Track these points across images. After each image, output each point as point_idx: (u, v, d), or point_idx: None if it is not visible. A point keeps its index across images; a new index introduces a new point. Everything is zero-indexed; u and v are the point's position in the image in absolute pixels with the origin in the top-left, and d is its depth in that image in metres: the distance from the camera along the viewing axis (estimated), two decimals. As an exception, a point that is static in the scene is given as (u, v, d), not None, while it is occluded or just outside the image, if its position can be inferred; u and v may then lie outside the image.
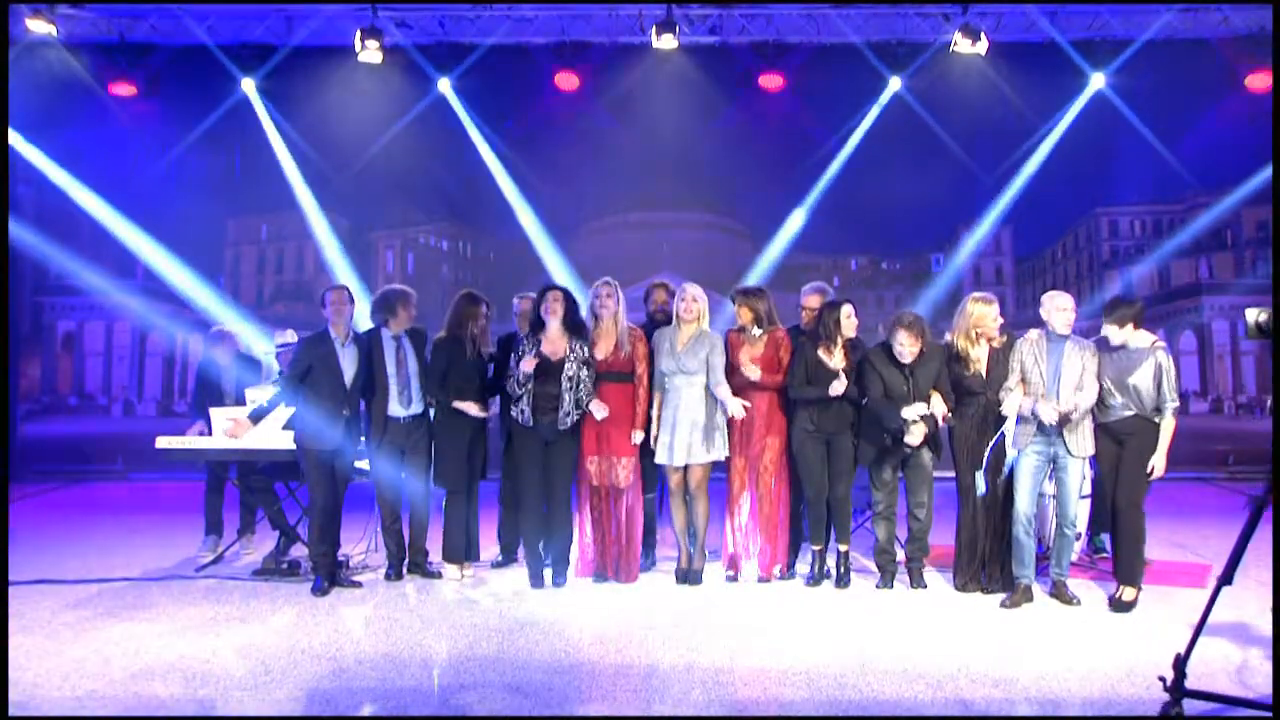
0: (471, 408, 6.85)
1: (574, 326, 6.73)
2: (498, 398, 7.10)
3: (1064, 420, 6.07)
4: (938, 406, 6.37)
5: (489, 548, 7.49)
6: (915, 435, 6.36)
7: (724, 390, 6.59)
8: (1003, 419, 6.33)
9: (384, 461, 6.95)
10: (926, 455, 6.57)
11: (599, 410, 6.61)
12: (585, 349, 6.70)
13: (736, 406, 6.52)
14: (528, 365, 6.58)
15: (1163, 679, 3.92)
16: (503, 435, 7.06)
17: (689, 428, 6.65)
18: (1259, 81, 11.90)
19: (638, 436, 6.72)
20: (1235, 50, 11.89)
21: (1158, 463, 6.08)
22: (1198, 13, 11.62)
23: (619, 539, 6.83)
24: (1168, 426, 6.09)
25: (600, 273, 7.03)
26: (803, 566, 6.98)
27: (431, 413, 7.06)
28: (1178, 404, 6.06)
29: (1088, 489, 6.84)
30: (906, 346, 6.34)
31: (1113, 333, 6.18)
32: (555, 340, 6.69)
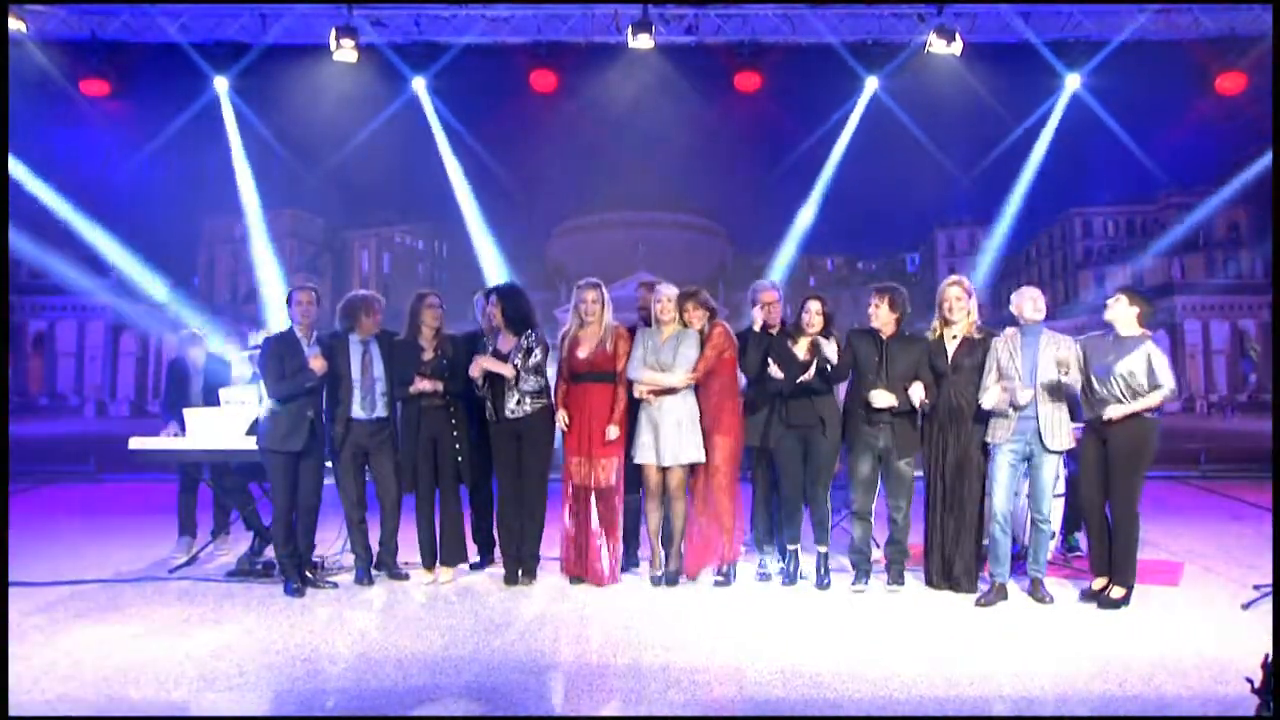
0: (426, 384, 6.80)
1: (515, 320, 6.83)
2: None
3: (1054, 388, 6.09)
4: (915, 392, 6.40)
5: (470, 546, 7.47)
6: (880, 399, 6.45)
7: (647, 374, 6.65)
8: (977, 414, 6.36)
9: (345, 463, 6.94)
10: (904, 461, 6.60)
11: (560, 420, 6.79)
12: (530, 338, 6.80)
13: (681, 377, 6.62)
14: (474, 371, 6.73)
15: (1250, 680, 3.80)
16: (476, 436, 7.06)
17: (673, 428, 6.64)
18: (1230, 83, 12.02)
19: (613, 432, 6.70)
20: (1207, 52, 12.01)
21: (1114, 411, 6.04)
22: (1170, 14, 11.72)
23: (599, 540, 6.79)
24: (1152, 399, 6.04)
25: (577, 272, 7.07)
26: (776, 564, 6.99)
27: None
28: (1172, 386, 6.04)
29: (1061, 488, 6.87)
30: (871, 306, 6.62)
31: (1120, 310, 6.22)
32: (507, 339, 6.83)
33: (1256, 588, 6.28)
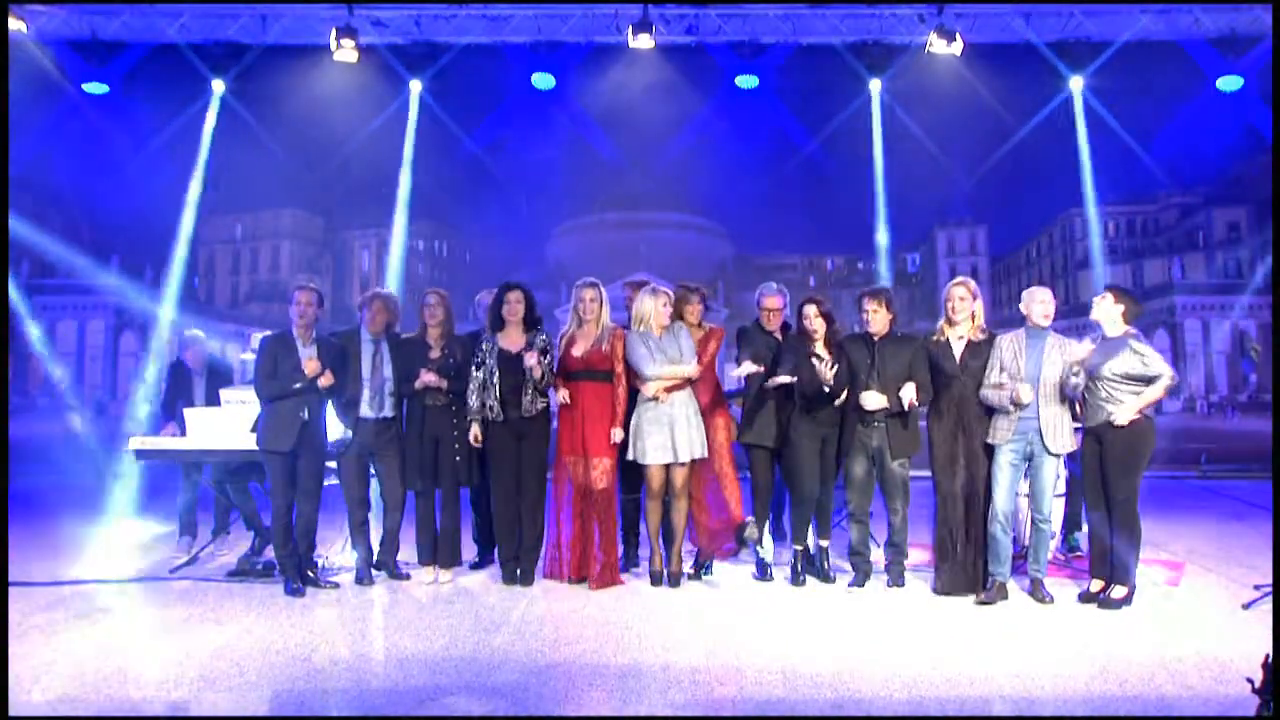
0: (431, 378, 6.78)
1: (533, 322, 6.89)
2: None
3: (1061, 386, 6.06)
4: (906, 393, 6.39)
5: (469, 546, 7.46)
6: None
7: (667, 368, 6.63)
8: (986, 413, 6.34)
9: (350, 462, 6.94)
10: (898, 463, 6.58)
11: (562, 395, 6.74)
12: (543, 338, 6.81)
13: (692, 369, 6.65)
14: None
15: (1250, 680, 3.79)
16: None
17: (684, 424, 6.63)
18: (1229, 83, 12.03)
19: (618, 435, 6.70)
20: (1207, 52, 12.01)
21: (1123, 416, 6.03)
22: (1170, 14, 11.72)
23: (597, 539, 6.78)
24: (1155, 390, 6.03)
25: (578, 272, 7.04)
26: (783, 568, 6.99)
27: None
28: (1170, 372, 6.03)
29: (1062, 488, 6.86)
30: (868, 312, 6.60)
31: (1106, 308, 6.21)
32: (514, 337, 6.81)
33: (1257, 588, 6.28)
